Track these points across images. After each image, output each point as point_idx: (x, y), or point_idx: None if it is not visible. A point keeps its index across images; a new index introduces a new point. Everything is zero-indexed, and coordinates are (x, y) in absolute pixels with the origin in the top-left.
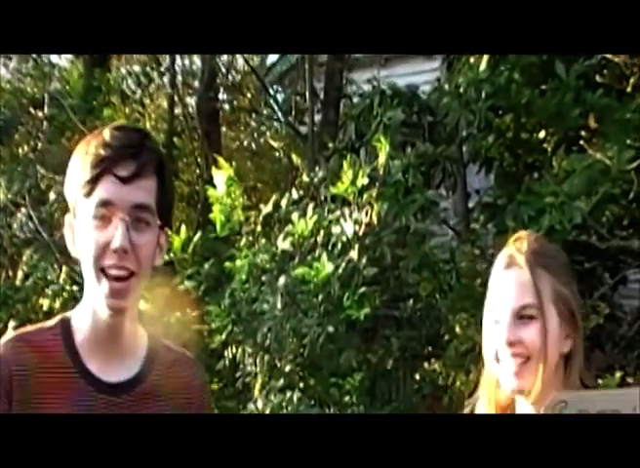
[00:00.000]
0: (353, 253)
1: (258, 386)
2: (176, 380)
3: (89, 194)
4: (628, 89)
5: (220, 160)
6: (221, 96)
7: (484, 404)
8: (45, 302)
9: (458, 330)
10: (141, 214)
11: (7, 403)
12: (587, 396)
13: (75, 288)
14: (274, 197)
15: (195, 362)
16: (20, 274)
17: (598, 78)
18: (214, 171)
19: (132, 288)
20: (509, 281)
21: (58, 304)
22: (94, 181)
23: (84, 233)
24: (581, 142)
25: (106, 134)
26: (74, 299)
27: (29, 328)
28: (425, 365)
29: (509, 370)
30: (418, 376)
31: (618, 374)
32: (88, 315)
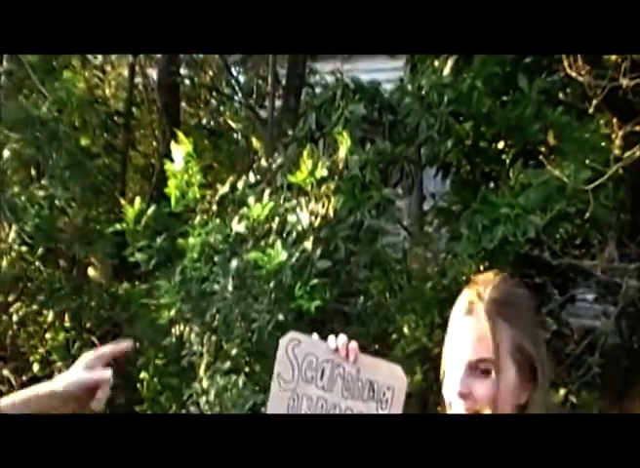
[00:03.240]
0: (307, 244)
1: (203, 366)
2: None
3: None
4: (590, 110)
5: (180, 135)
6: (183, 70)
7: None
8: None
9: (406, 330)
10: None
11: None
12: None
13: (24, 248)
14: (231, 178)
15: None
16: None
17: (560, 95)
18: (173, 145)
19: None
20: (467, 329)
21: (5, 263)
22: None
23: None
24: (540, 157)
25: None
26: (22, 260)
27: None
28: None
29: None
30: None
31: (561, 391)
32: None
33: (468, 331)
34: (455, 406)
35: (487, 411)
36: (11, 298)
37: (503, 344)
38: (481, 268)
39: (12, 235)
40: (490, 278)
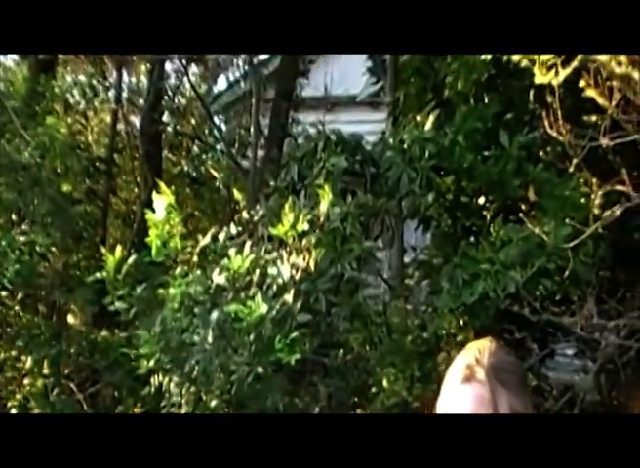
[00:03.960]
0: (288, 297)
1: None
2: None
3: None
4: (570, 168)
5: (162, 185)
6: (166, 118)
7: None
8: None
9: (385, 383)
10: None
11: None
12: None
13: (4, 293)
14: (212, 230)
15: None
16: None
17: (541, 153)
18: (154, 195)
19: None
20: (467, 395)
21: None
22: None
23: None
24: (520, 214)
25: None
26: (2, 305)
27: None
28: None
29: None
30: None
31: None
32: None
33: (468, 397)
34: None
35: None
36: None
37: (502, 407)
38: (461, 323)
39: None
40: (486, 345)
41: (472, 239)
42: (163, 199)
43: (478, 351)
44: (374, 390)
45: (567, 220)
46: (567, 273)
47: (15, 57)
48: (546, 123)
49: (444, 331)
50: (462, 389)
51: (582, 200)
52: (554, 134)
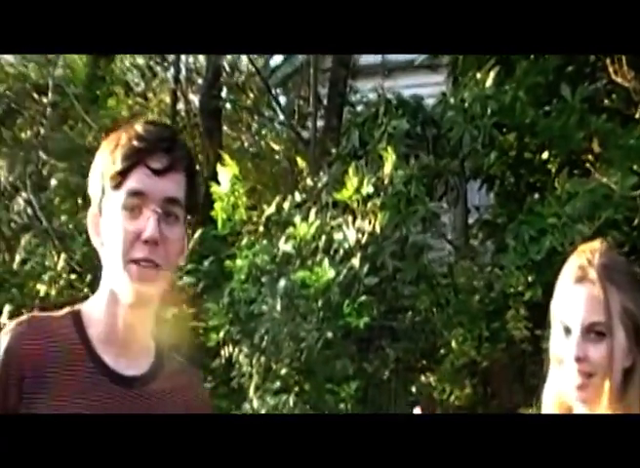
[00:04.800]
0: (355, 261)
1: (252, 387)
2: (180, 388)
3: (119, 185)
4: (637, 115)
5: (226, 157)
6: (224, 94)
7: (549, 407)
8: (41, 288)
9: (454, 344)
10: (172, 208)
11: (18, 385)
12: None
13: (73, 276)
14: (277, 199)
15: (199, 375)
16: (17, 259)
17: (606, 102)
18: (219, 167)
19: (158, 277)
20: (580, 294)
21: (54, 291)
22: (126, 172)
23: (112, 224)
24: (585, 166)
25: (139, 127)
26: (71, 287)
27: (40, 314)
28: (421, 378)
29: (574, 383)
30: (413, 389)
31: None
32: (104, 308)
33: (581, 296)
34: (568, 368)
35: (600, 375)
36: None
37: (615, 307)
38: (529, 280)
39: (61, 263)
40: (596, 246)
41: (537, 195)
42: (227, 171)
43: (590, 252)
44: (442, 352)
45: (634, 169)
46: (635, 223)
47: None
48: (611, 70)
49: (511, 290)
50: (575, 289)
51: None
52: (619, 80)
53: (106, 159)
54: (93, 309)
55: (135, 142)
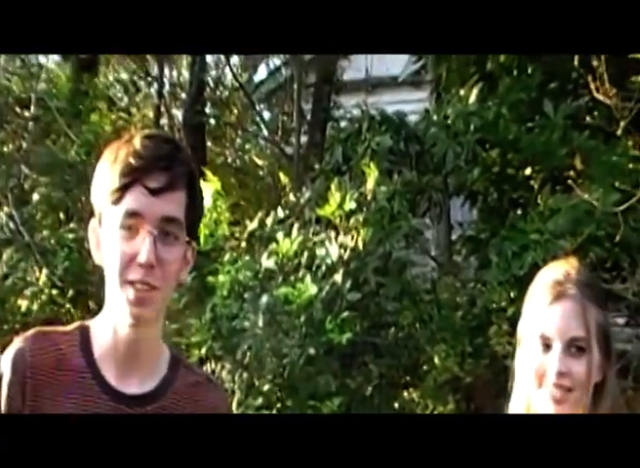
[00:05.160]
0: (337, 277)
1: (235, 403)
2: (195, 403)
3: (116, 202)
4: (619, 131)
5: (208, 173)
6: (208, 110)
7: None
8: (23, 304)
9: (437, 360)
10: (170, 228)
11: (21, 400)
12: None
13: (55, 291)
14: (259, 214)
15: (219, 387)
16: None
17: (588, 119)
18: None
19: (155, 299)
20: (560, 310)
21: (36, 306)
22: (122, 190)
23: (109, 242)
24: (568, 182)
25: (137, 142)
26: (53, 303)
27: (47, 328)
28: (405, 394)
29: (551, 397)
30: (396, 405)
31: None
32: (108, 325)
33: (561, 313)
34: (547, 382)
35: (579, 389)
36: None
37: (592, 323)
38: (511, 295)
39: (42, 278)
40: (570, 262)
41: (520, 211)
42: (209, 187)
43: (565, 269)
44: (425, 368)
45: (616, 185)
46: (617, 239)
47: (56, 57)
48: (592, 87)
49: (494, 305)
50: (554, 305)
51: (630, 165)
52: (601, 97)
53: (105, 172)
54: (99, 325)
55: (132, 159)
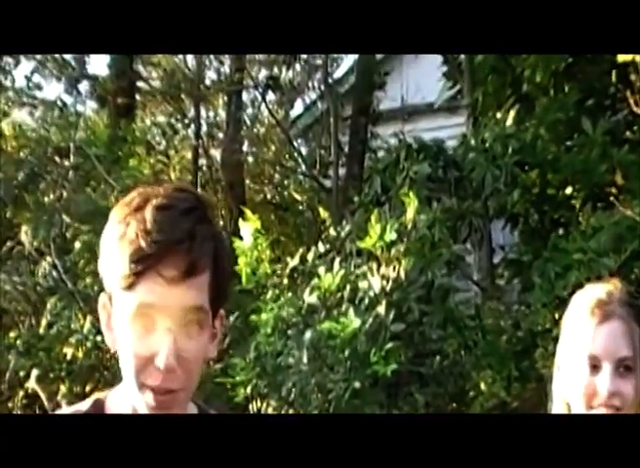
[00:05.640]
0: (380, 309)
1: None
2: None
3: (128, 289)
4: None
5: (247, 212)
6: (246, 148)
7: None
8: (68, 351)
9: (483, 386)
10: (193, 317)
11: None
12: None
13: (99, 338)
14: (301, 250)
15: None
16: (43, 322)
17: (627, 133)
18: (241, 222)
19: (179, 400)
20: (609, 331)
21: (81, 353)
22: (134, 277)
23: (122, 331)
24: (609, 199)
25: (149, 216)
26: (98, 348)
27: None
28: None
29: None
30: None
31: None
32: (127, 403)
33: (610, 333)
34: (597, 403)
35: (626, 409)
36: (88, 388)
37: (637, 342)
38: (555, 316)
39: (87, 325)
40: (612, 282)
41: (561, 231)
42: (249, 225)
43: (607, 289)
44: (471, 394)
45: None
46: None
47: (94, 105)
48: (631, 101)
49: (539, 328)
50: (602, 326)
51: None
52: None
53: (113, 249)
54: (116, 403)
55: (143, 243)
